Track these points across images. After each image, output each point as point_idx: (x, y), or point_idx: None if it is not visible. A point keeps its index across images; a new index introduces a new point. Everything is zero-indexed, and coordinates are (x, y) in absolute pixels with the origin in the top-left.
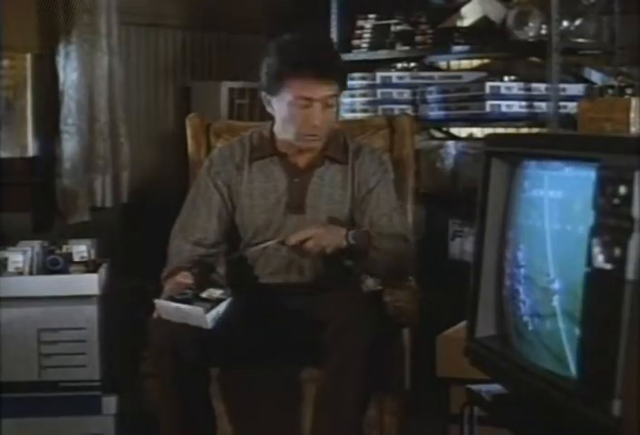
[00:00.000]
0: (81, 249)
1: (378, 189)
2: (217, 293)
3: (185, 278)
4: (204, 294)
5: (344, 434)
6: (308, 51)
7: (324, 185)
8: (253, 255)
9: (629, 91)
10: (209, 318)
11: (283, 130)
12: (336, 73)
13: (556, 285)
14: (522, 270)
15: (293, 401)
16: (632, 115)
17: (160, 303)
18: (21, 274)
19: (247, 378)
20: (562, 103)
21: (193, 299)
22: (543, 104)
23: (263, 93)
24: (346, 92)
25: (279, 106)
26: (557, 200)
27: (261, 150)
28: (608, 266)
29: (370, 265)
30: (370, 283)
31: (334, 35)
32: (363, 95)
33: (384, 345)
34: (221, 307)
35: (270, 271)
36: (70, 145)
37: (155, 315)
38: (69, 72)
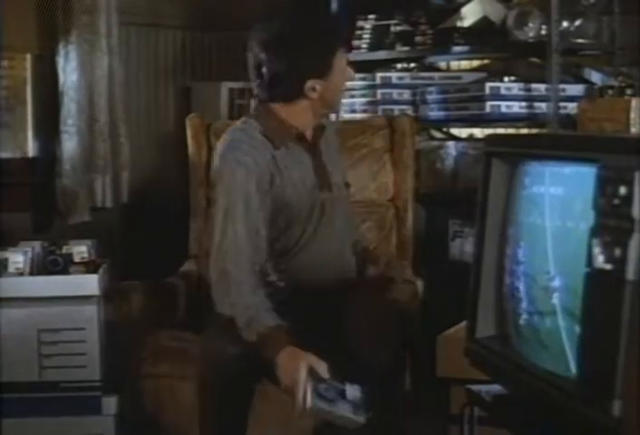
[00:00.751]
0: (81, 250)
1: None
2: (357, 392)
3: (321, 364)
4: (347, 393)
5: None
6: (325, 21)
7: (329, 155)
8: None
9: (629, 91)
10: (362, 420)
11: (335, 102)
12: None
13: (556, 283)
14: (522, 267)
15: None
16: (632, 115)
17: (312, 407)
18: (21, 274)
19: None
20: (562, 104)
21: (339, 398)
22: (543, 105)
23: (309, 84)
24: (346, 93)
25: (333, 81)
26: (558, 197)
27: (280, 138)
28: (608, 267)
29: None
30: (371, 270)
31: None
32: (363, 96)
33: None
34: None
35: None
36: (70, 145)
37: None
38: (69, 73)
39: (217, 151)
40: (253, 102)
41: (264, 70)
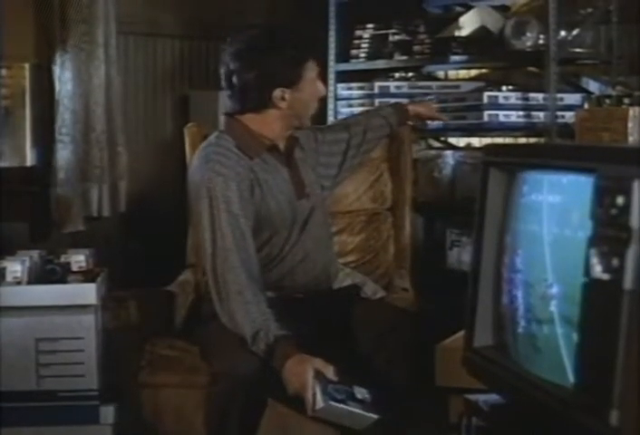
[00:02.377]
0: (79, 259)
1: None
2: (364, 393)
3: (328, 365)
4: (356, 394)
5: None
6: (296, 33)
7: (303, 158)
8: None
9: (627, 100)
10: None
11: (304, 113)
12: None
13: (554, 291)
14: (520, 276)
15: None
16: (630, 125)
17: (329, 404)
18: (19, 283)
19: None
20: (560, 113)
21: (351, 399)
22: (541, 114)
23: (277, 92)
24: (344, 102)
25: (302, 91)
26: (556, 206)
27: (254, 149)
28: (606, 277)
29: None
30: (369, 290)
31: (331, 45)
32: (361, 105)
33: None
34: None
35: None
36: (64, 154)
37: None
38: (65, 82)
39: (192, 167)
40: (223, 118)
41: (234, 80)
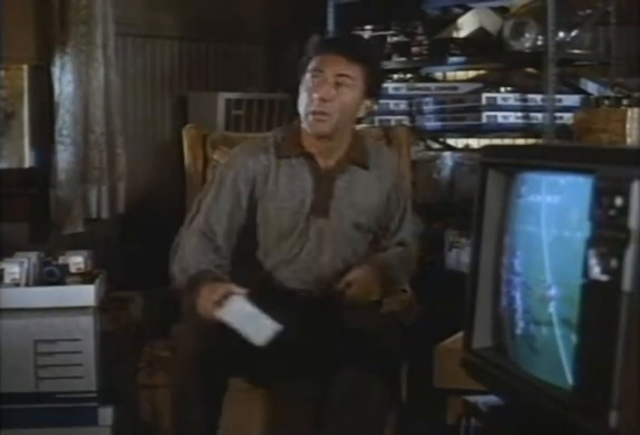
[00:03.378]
0: (77, 260)
1: (396, 202)
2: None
3: (243, 292)
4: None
5: None
6: (335, 35)
7: (350, 190)
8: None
9: (625, 101)
10: (270, 337)
11: (303, 117)
12: (354, 52)
13: (552, 292)
14: (519, 277)
15: (306, 419)
16: (628, 126)
17: (241, 299)
18: (17, 285)
19: (264, 392)
20: (558, 114)
21: (252, 312)
22: (539, 115)
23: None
24: None
25: (301, 88)
26: (555, 207)
27: (287, 149)
28: (605, 278)
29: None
30: None
31: None
32: None
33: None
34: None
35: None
36: (64, 156)
37: (207, 312)
38: (64, 84)
39: None
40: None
41: None
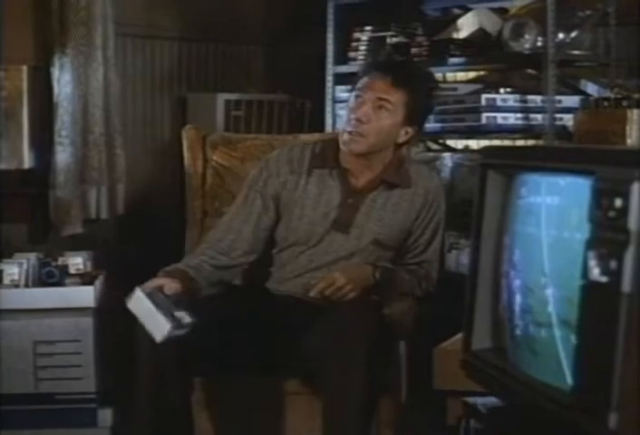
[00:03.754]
0: (77, 261)
1: (426, 222)
2: (186, 318)
3: (175, 284)
4: (176, 313)
5: None
6: (387, 58)
7: (376, 207)
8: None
9: (625, 103)
10: (165, 336)
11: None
12: (398, 77)
13: (552, 293)
14: (518, 278)
15: (276, 413)
16: (628, 127)
17: (140, 293)
18: (17, 286)
19: (229, 389)
20: (558, 115)
21: (167, 310)
22: (539, 116)
23: None
24: (342, 104)
25: (347, 106)
26: (554, 208)
27: (322, 160)
28: (604, 279)
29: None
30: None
31: (329, 47)
32: None
33: (384, 355)
34: (181, 332)
35: (285, 277)
36: (63, 157)
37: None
38: (64, 84)
39: None
40: None
41: None
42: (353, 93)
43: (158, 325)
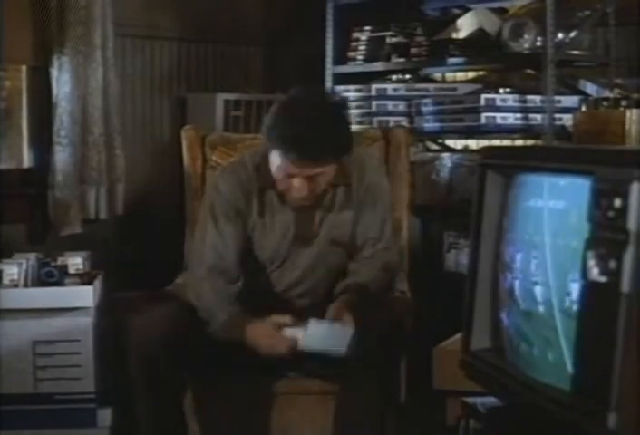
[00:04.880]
0: (76, 261)
1: (370, 208)
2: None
3: (279, 316)
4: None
5: None
6: (300, 133)
7: (329, 211)
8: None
9: (624, 103)
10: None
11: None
12: (320, 156)
13: (551, 293)
14: (517, 278)
15: (275, 413)
16: (627, 127)
17: (314, 321)
18: (16, 286)
19: (229, 389)
20: (557, 115)
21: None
22: (538, 116)
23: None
24: None
25: (272, 159)
26: (554, 208)
27: (264, 180)
28: (603, 279)
29: None
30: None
31: (329, 47)
32: (359, 107)
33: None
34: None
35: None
36: (62, 157)
37: (276, 351)
38: (62, 84)
39: None
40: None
41: None
42: (278, 169)
43: (339, 339)
